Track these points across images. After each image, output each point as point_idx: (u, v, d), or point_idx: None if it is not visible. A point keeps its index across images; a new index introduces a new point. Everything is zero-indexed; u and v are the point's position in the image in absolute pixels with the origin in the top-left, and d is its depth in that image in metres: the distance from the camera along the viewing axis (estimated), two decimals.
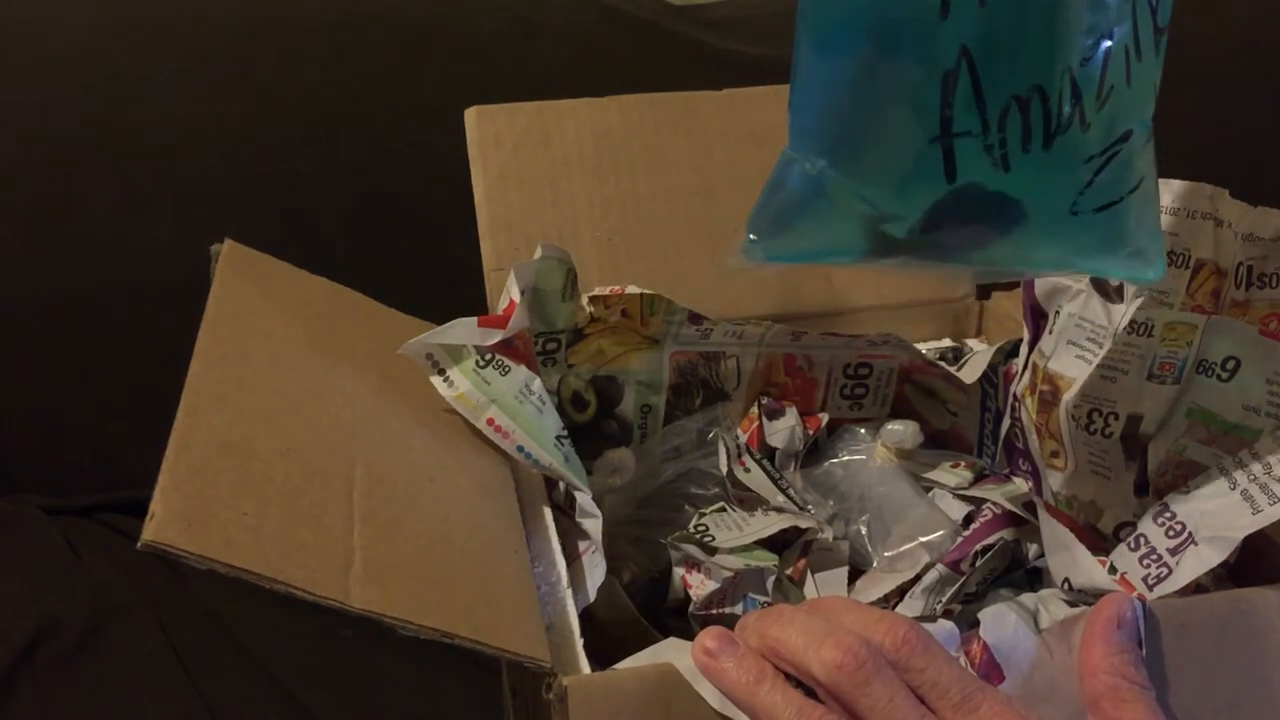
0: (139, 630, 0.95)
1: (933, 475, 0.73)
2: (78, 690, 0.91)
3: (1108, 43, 0.46)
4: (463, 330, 0.64)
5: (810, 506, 0.70)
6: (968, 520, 0.69)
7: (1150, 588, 0.57)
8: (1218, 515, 0.56)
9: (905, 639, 0.46)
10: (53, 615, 0.94)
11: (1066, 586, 0.61)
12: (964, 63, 0.45)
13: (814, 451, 0.77)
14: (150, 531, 0.43)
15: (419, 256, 1.07)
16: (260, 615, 0.96)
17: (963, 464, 0.73)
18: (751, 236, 0.50)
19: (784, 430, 0.75)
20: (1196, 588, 0.57)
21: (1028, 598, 0.62)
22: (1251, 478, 0.56)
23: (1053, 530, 0.63)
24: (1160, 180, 0.63)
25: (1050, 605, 0.61)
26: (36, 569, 1.00)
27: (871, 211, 0.48)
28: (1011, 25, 0.45)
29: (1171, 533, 0.58)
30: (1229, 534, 0.55)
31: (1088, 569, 0.60)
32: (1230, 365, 0.58)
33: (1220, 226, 0.62)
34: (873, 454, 0.74)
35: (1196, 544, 0.56)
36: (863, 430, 0.76)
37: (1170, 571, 0.57)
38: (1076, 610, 0.59)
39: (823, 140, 0.48)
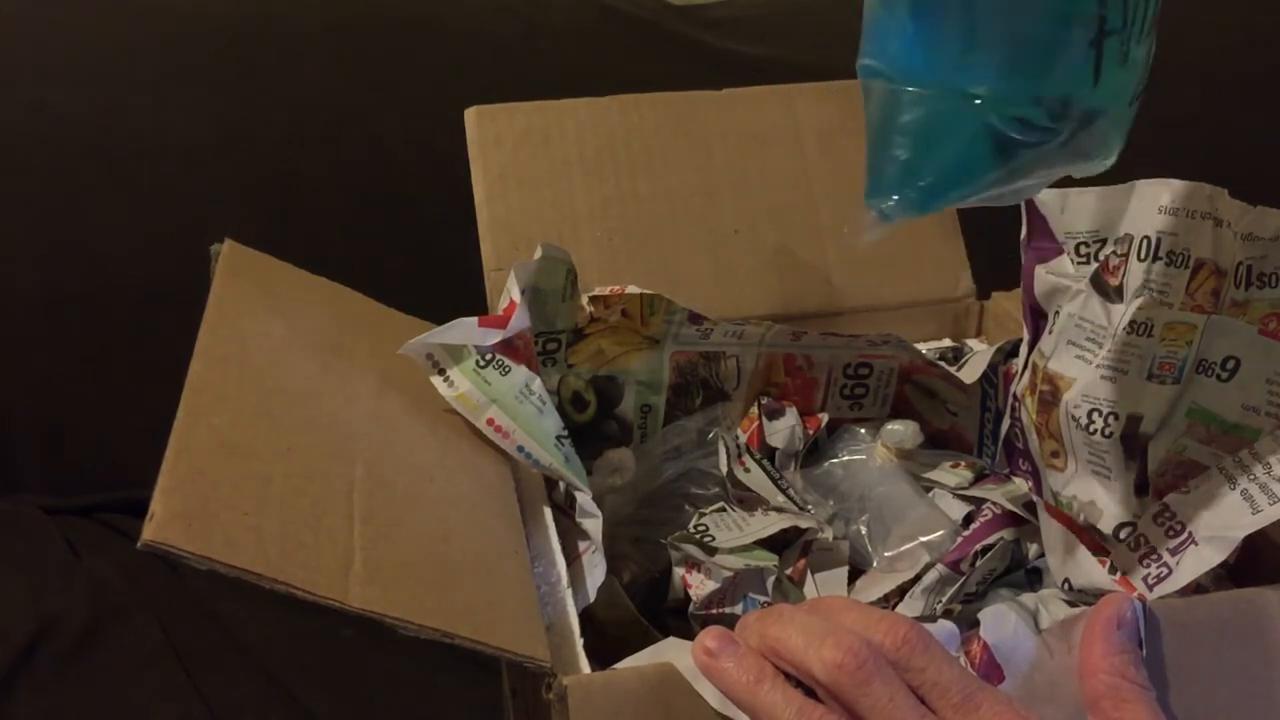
0: (139, 630, 0.95)
1: (933, 475, 0.73)
2: (78, 690, 0.91)
3: None
4: (463, 330, 0.63)
5: (810, 506, 0.70)
6: (968, 520, 0.69)
7: (1150, 588, 0.57)
8: (1217, 515, 0.56)
9: (905, 639, 0.46)
10: (53, 615, 0.95)
11: (1066, 586, 0.61)
12: None
13: (814, 451, 0.77)
14: (150, 531, 0.43)
15: (419, 256, 1.08)
16: (260, 615, 0.96)
17: (963, 464, 0.73)
18: (894, 197, 0.49)
19: (784, 430, 0.75)
20: (1196, 588, 0.57)
21: (1028, 597, 0.63)
22: (1251, 478, 0.56)
23: (1052, 530, 0.63)
24: (1160, 180, 0.63)
25: (1050, 605, 0.61)
26: (36, 569, 1.00)
27: (1036, 137, 0.47)
28: None
29: (1171, 533, 0.58)
30: (1229, 534, 0.55)
31: (1087, 569, 0.60)
32: (1230, 365, 0.58)
33: (1220, 226, 0.62)
34: (873, 454, 0.74)
35: (1197, 544, 0.56)
36: (863, 430, 0.76)
37: (1170, 571, 0.57)
38: (1076, 610, 0.59)
39: (981, 68, 0.46)
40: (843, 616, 0.48)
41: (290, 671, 0.93)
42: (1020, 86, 0.47)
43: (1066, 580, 0.60)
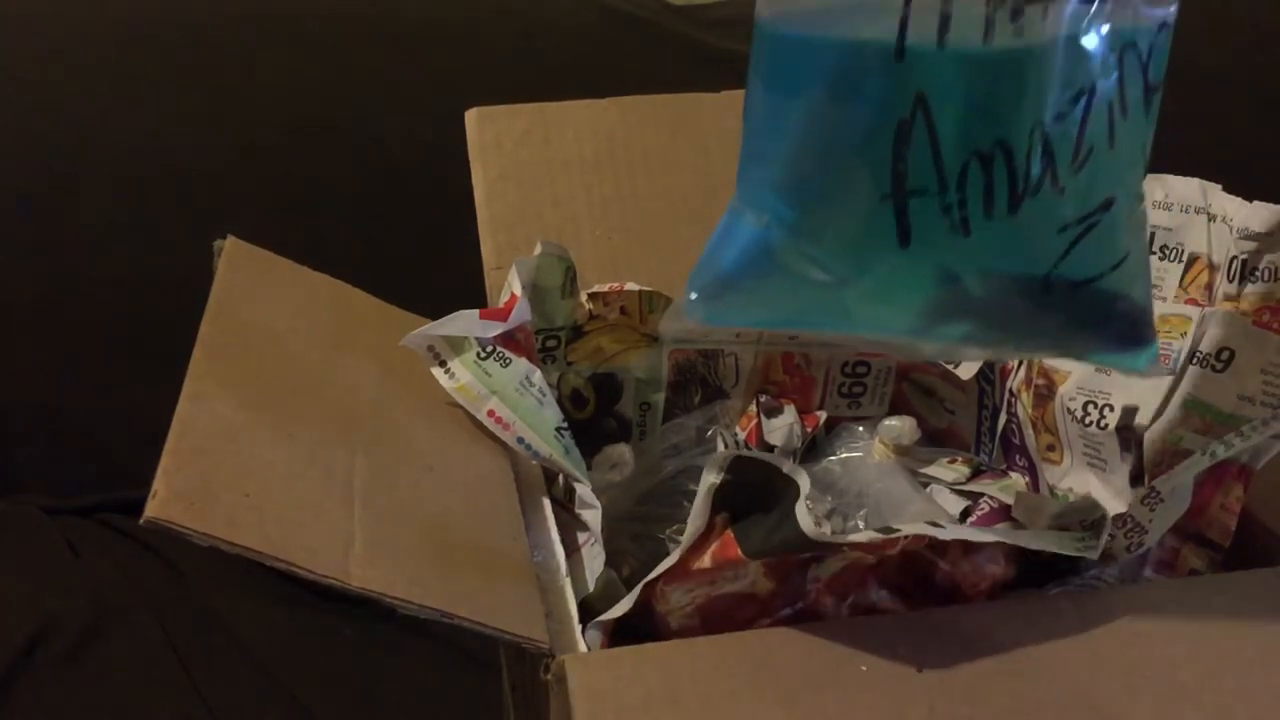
0: (139, 630, 0.95)
1: (930, 471, 0.73)
2: (78, 690, 0.91)
3: (1087, 98, 0.41)
4: (464, 322, 0.64)
5: (809, 503, 0.70)
6: (964, 515, 0.69)
7: (1131, 553, 0.57)
8: (1184, 473, 0.57)
9: None
10: (53, 615, 0.95)
11: None
12: (919, 112, 0.40)
13: (812, 450, 0.77)
14: (153, 509, 0.43)
15: (419, 256, 1.08)
16: (260, 615, 0.96)
17: (960, 459, 0.74)
18: (693, 295, 0.46)
19: (782, 428, 0.75)
20: (1190, 572, 0.57)
21: None
22: (1222, 442, 0.56)
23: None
24: (1153, 175, 0.64)
25: None
26: (36, 569, 1.00)
27: (823, 276, 0.43)
28: (975, 73, 0.40)
29: (1149, 503, 0.58)
30: (1185, 479, 0.56)
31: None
32: (1225, 356, 0.58)
33: (1213, 221, 0.62)
34: (870, 451, 0.74)
35: (1164, 500, 0.57)
36: (860, 428, 0.77)
37: (1145, 530, 0.57)
38: None
39: (771, 191, 0.44)
40: None
41: (290, 671, 0.93)
42: (800, 224, 0.43)
43: None
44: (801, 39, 0.43)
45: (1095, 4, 0.40)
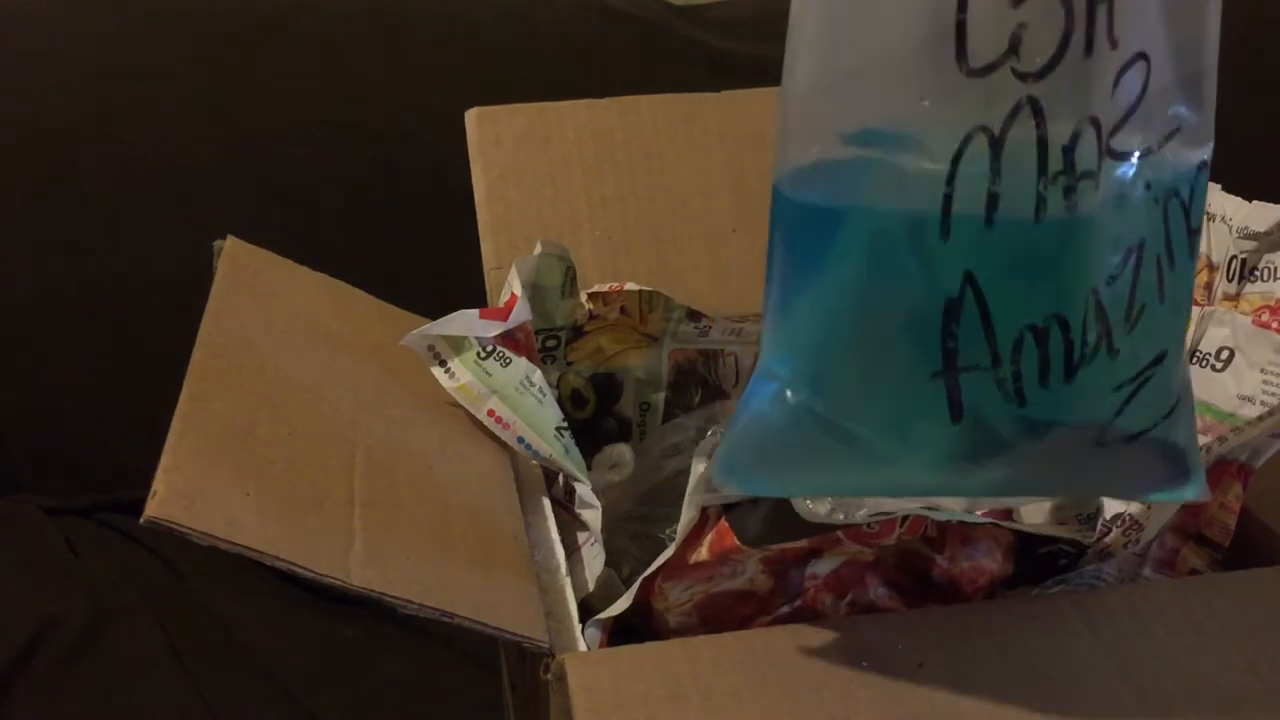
0: (139, 630, 0.95)
1: None
2: (78, 690, 0.91)
3: (1137, 255, 0.39)
4: (464, 322, 0.64)
5: (809, 502, 0.70)
6: None
7: (1128, 549, 0.57)
8: None
9: None
10: (53, 615, 0.95)
11: None
12: (969, 290, 0.38)
13: None
14: (153, 508, 0.43)
15: (419, 256, 1.08)
16: (260, 615, 0.96)
17: None
18: (724, 462, 0.44)
19: None
20: (1190, 572, 0.57)
21: None
22: (1217, 438, 0.56)
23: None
24: None
25: None
26: (36, 569, 1.00)
27: (866, 451, 0.41)
28: (1025, 247, 0.39)
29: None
30: None
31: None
32: (1224, 356, 0.59)
33: (1213, 221, 0.62)
34: None
35: None
36: None
37: (1143, 527, 0.57)
38: None
39: (803, 363, 0.41)
40: None
41: (290, 671, 0.93)
42: (841, 403, 0.41)
43: None
44: (828, 209, 0.41)
45: (1139, 160, 0.39)
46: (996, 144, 0.38)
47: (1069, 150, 0.38)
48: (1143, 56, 0.39)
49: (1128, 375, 0.40)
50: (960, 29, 0.37)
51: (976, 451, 0.41)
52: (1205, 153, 0.42)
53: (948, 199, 0.38)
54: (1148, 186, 0.40)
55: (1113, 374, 0.40)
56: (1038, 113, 0.38)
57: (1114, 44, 0.38)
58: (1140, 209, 0.40)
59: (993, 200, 0.38)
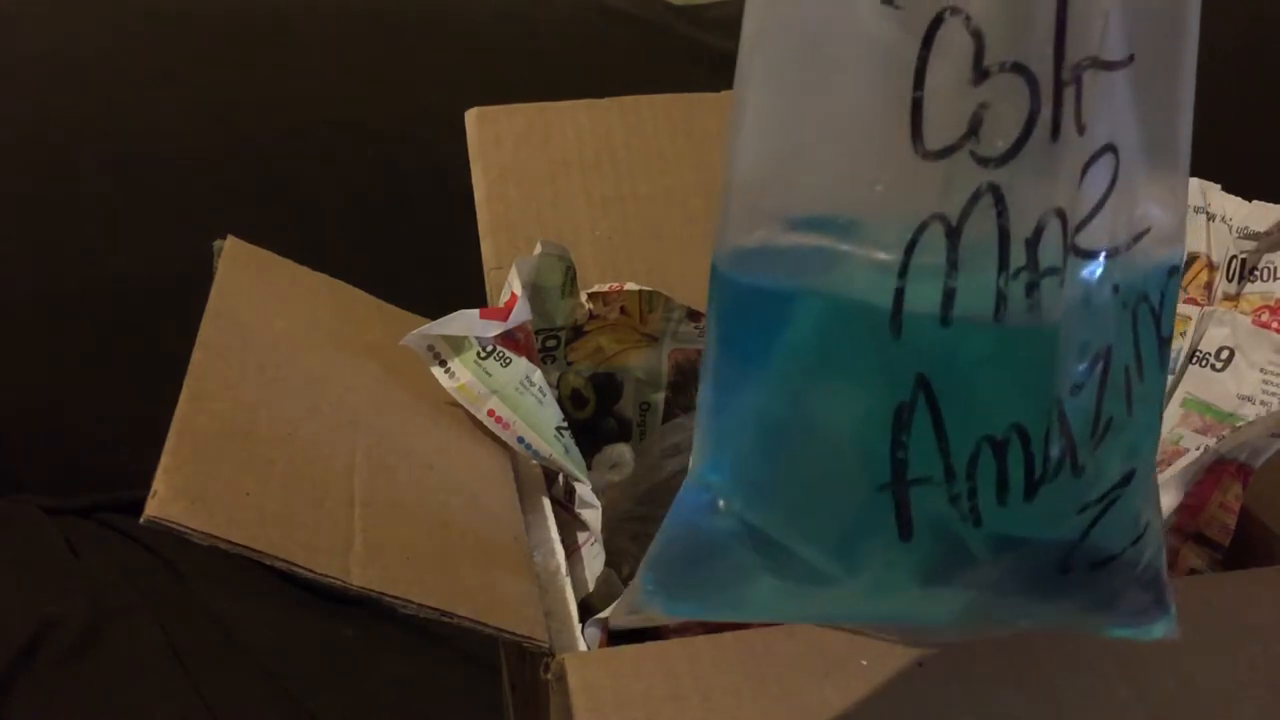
0: (139, 630, 0.95)
1: None
2: (78, 690, 0.91)
3: (1104, 363, 0.36)
4: (464, 322, 0.64)
5: None
6: None
7: None
8: (1176, 467, 0.56)
9: None
10: (53, 615, 0.95)
11: None
12: (921, 395, 0.35)
13: None
14: (153, 508, 0.43)
15: (419, 256, 1.08)
16: (260, 615, 0.96)
17: None
18: (648, 584, 0.40)
19: None
20: (1190, 572, 0.57)
21: None
22: (1216, 439, 0.56)
23: None
24: None
25: None
26: (36, 569, 1.00)
27: (806, 573, 0.37)
28: (983, 349, 0.35)
29: None
30: (1173, 475, 0.55)
31: None
32: (1224, 355, 0.59)
33: (1212, 221, 0.62)
34: None
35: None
36: None
37: None
38: None
39: (741, 474, 0.37)
40: None
41: (290, 671, 0.93)
42: (777, 516, 0.37)
43: None
44: (769, 295, 0.37)
45: (1106, 260, 0.36)
46: (954, 234, 0.34)
47: (1032, 244, 0.34)
48: (1111, 149, 0.35)
49: (1093, 496, 0.37)
50: (916, 106, 0.34)
51: (927, 575, 0.37)
52: (1177, 257, 0.39)
53: (899, 293, 0.34)
54: (1115, 289, 0.36)
55: (1076, 494, 0.36)
56: (999, 201, 0.34)
57: (1081, 130, 0.34)
58: (1108, 313, 0.36)
59: (949, 296, 0.34)
